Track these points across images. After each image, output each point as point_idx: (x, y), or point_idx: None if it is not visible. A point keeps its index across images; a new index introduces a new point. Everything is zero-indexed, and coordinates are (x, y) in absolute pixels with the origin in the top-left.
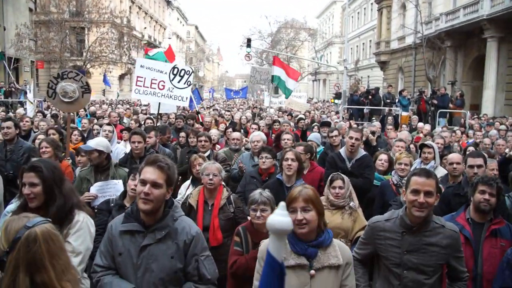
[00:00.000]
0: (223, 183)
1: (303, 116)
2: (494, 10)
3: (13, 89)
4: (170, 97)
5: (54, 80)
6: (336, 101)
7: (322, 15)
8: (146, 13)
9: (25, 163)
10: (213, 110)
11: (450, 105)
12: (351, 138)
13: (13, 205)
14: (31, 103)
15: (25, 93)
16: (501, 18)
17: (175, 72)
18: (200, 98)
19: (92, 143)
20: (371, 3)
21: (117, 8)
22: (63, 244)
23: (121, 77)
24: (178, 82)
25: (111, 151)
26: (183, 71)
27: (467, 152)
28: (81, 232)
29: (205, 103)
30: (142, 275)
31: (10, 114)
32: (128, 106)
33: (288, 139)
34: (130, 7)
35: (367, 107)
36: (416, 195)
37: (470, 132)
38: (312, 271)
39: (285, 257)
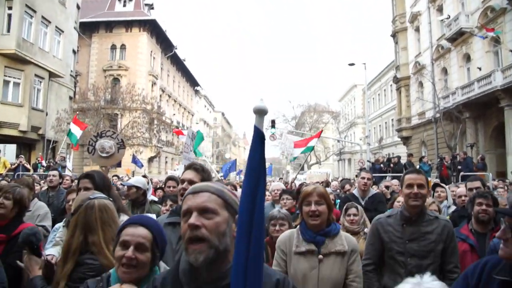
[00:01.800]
0: None
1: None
2: (507, 81)
3: (51, 163)
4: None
5: (94, 138)
6: None
7: (344, 98)
8: (175, 101)
9: (64, 209)
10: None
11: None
12: (362, 178)
13: (61, 223)
14: (70, 170)
15: (63, 167)
16: None
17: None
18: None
19: (131, 181)
20: (390, 84)
21: (148, 95)
22: (115, 217)
23: (150, 159)
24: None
25: (147, 189)
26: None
27: None
28: None
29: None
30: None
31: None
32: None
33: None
34: (160, 95)
35: (389, 174)
36: (410, 188)
37: (495, 193)
38: (320, 256)
39: (297, 245)
